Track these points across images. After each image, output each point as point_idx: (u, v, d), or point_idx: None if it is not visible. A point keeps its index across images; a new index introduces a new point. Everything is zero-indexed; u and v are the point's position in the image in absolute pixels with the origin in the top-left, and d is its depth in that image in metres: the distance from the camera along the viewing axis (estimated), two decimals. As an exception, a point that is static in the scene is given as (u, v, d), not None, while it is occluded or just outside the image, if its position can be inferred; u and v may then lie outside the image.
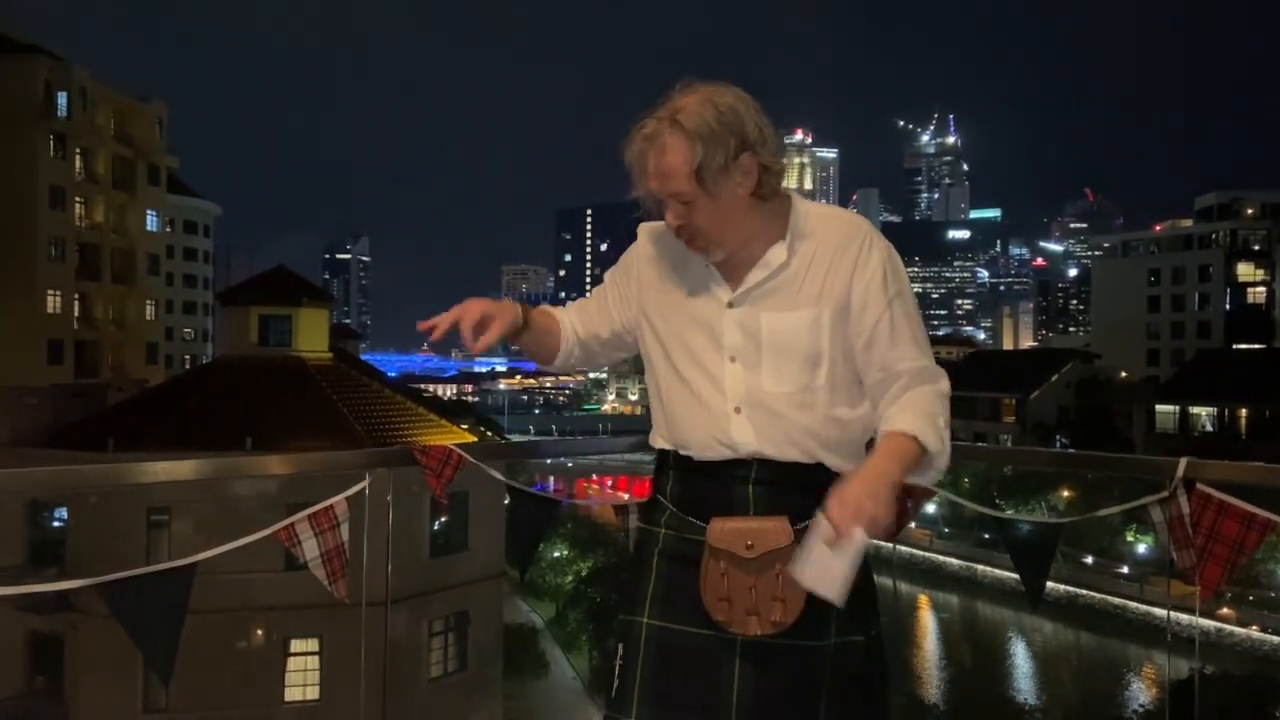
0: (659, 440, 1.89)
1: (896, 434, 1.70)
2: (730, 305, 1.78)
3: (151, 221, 54.39)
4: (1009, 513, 2.41)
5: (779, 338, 1.75)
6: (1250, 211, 74.45)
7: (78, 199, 47.59)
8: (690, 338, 1.81)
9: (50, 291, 45.45)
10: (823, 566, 1.58)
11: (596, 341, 1.97)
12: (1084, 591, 40.82)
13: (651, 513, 1.88)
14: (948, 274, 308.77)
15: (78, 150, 47.22)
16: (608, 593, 29.30)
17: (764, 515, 1.73)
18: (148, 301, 53.55)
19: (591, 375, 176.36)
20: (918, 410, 1.73)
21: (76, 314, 47.28)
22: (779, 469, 1.76)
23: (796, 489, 1.75)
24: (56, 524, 21.79)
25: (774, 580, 1.70)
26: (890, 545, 2.24)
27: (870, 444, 1.81)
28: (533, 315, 1.95)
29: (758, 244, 1.77)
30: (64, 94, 45.95)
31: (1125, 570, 41.41)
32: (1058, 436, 55.25)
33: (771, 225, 1.77)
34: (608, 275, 1.99)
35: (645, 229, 1.93)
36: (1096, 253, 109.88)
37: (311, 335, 24.96)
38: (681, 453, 1.83)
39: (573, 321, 1.98)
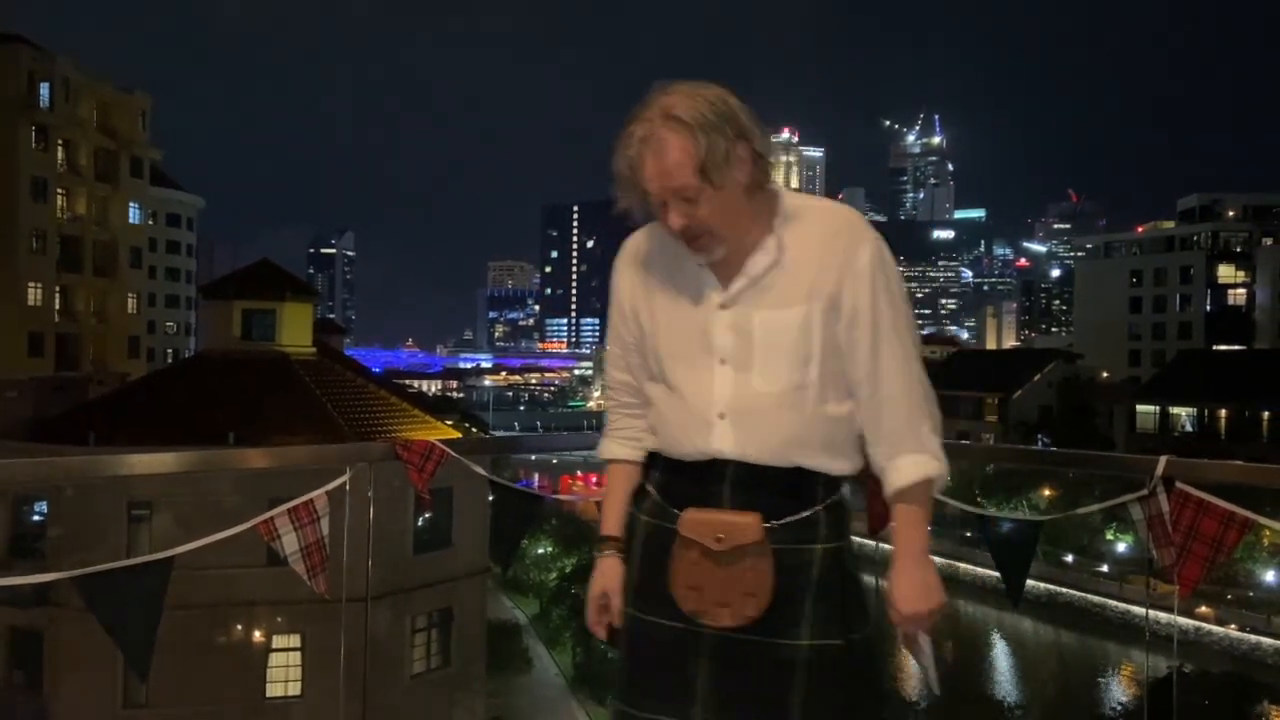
0: (650, 442, 1.89)
1: (910, 490, 1.76)
2: (722, 307, 1.75)
3: (134, 214, 54.04)
4: (990, 510, 2.41)
5: (773, 336, 1.73)
6: (1231, 213, 75.10)
7: (59, 191, 47.24)
8: (680, 342, 1.79)
9: (31, 283, 45.11)
10: (917, 663, 1.79)
11: None
12: (1064, 589, 41.08)
13: (640, 501, 1.89)
14: (932, 273, 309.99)
15: (60, 142, 46.87)
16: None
17: (737, 510, 1.73)
18: (130, 294, 53.24)
19: (576, 372, 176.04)
20: (915, 443, 1.77)
21: (57, 306, 46.95)
22: (756, 471, 1.75)
23: (770, 490, 1.75)
24: (36, 518, 21.63)
25: (745, 574, 1.71)
26: (873, 543, 2.25)
27: (861, 457, 1.86)
28: (621, 505, 1.92)
29: (749, 241, 1.74)
30: (47, 85, 45.61)
31: (1105, 568, 41.70)
32: (1040, 436, 55.54)
33: (761, 221, 1.74)
34: (612, 311, 1.93)
35: (627, 246, 1.91)
36: (1079, 253, 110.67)
37: (295, 330, 24.82)
38: (666, 455, 1.84)
39: (635, 390, 1.90)
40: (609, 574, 1.90)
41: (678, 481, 1.81)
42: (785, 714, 1.71)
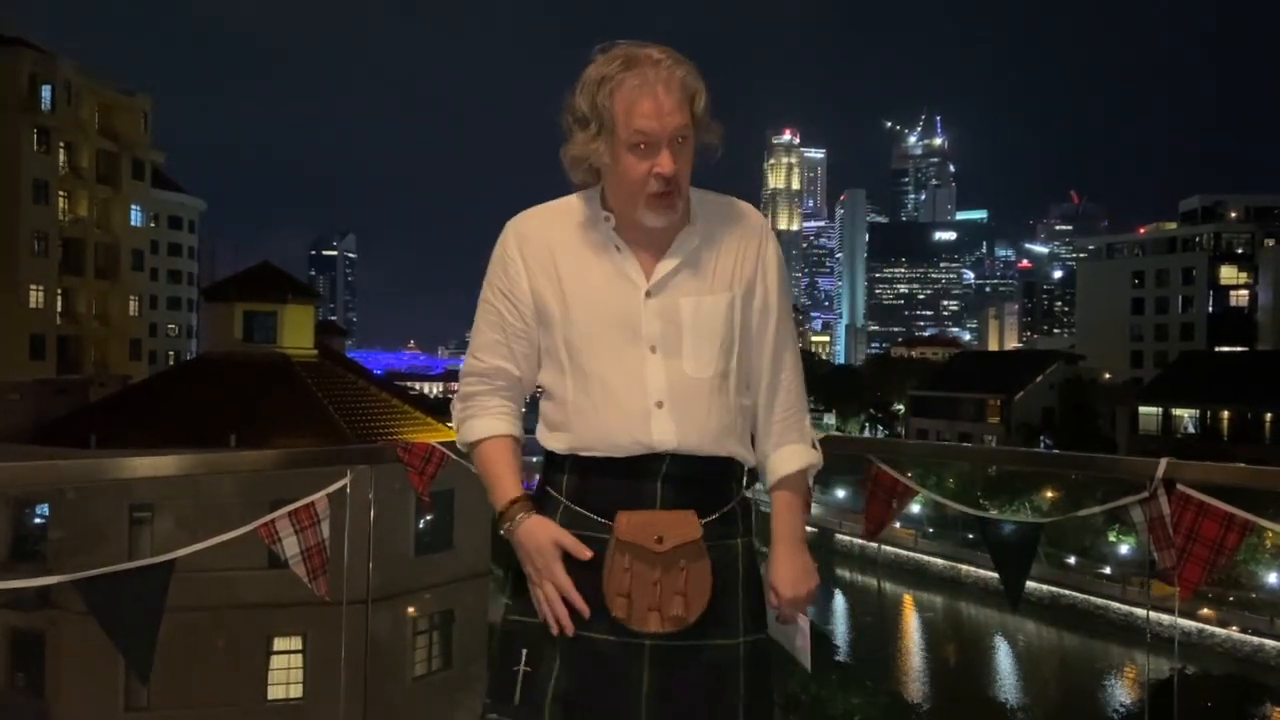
0: (553, 441, 1.75)
1: (793, 477, 1.82)
2: (648, 295, 1.70)
3: (136, 216, 54.04)
4: (992, 513, 2.40)
5: (701, 322, 1.71)
6: (1234, 214, 75.09)
7: (61, 193, 47.23)
8: (603, 331, 1.70)
9: (33, 286, 45.10)
10: (791, 644, 1.86)
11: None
12: (1066, 591, 41.08)
13: (545, 510, 1.73)
14: (934, 275, 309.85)
15: (62, 144, 46.86)
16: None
17: (671, 509, 1.67)
18: (131, 297, 53.22)
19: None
20: (799, 433, 1.85)
21: (59, 309, 46.94)
22: (692, 464, 1.69)
23: (703, 484, 1.71)
24: (38, 520, 21.64)
25: (679, 575, 1.65)
26: (875, 545, 2.25)
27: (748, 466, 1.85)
28: (518, 475, 1.79)
29: (670, 228, 1.72)
30: (48, 87, 45.61)
31: (1107, 570, 41.72)
32: (1042, 437, 55.57)
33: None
34: (492, 297, 1.78)
35: (519, 228, 1.78)
36: (1081, 255, 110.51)
37: (297, 332, 24.82)
38: (583, 454, 1.71)
39: (515, 381, 1.81)
40: (544, 526, 1.69)
41: (598, 483, 1.70)
42: (733, 715, 1.68)
